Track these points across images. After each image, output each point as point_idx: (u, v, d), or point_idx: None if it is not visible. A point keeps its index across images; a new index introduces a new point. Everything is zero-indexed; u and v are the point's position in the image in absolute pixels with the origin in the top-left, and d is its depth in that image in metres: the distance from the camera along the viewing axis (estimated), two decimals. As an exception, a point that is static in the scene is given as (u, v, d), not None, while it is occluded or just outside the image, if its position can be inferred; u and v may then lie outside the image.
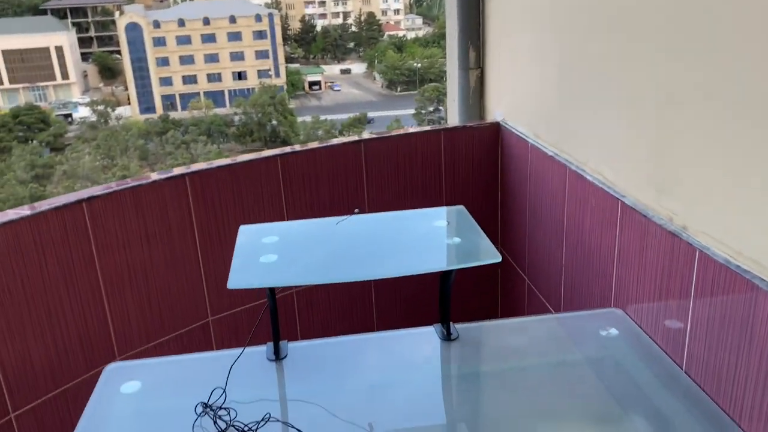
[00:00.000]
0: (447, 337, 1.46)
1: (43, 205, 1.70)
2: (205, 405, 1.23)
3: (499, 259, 1.27)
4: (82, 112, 40.18)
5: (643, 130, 1.46)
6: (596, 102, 1.67)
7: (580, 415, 1.25)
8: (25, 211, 1.67)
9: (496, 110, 2.43)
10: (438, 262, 1.33)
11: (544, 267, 2.06)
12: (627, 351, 1.42)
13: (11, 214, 1.65)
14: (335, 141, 2.26)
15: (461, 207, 1.56)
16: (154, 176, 1.92)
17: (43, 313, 1.72)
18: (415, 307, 2.48)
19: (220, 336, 2.14)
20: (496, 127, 2.38)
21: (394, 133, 2.35)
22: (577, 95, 1.78)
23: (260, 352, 1.46)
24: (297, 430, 1.17)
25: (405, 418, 1.27)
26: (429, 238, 1.42)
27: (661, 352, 1.40)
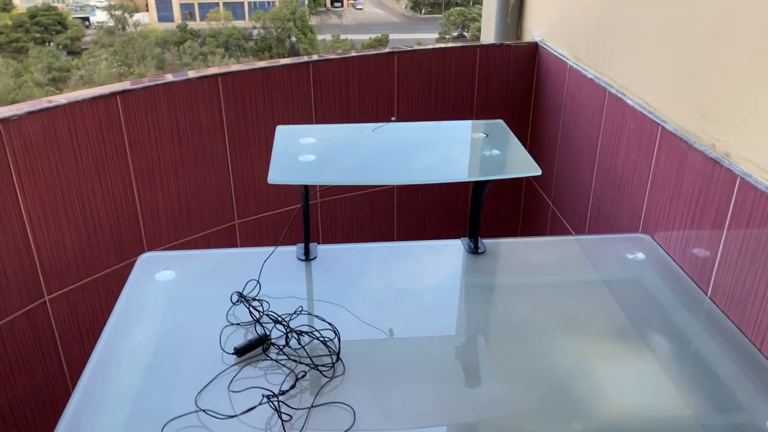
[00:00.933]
0: (474, 250, 1.47)
1: (78, 96, 1.70)
2: (240, 294, 1.27)
3: (539, 171, 1.27)
4: (100, 17, 39.41)
5: (691, 52, 1.42)
6: (642, 23, 1.62)
7: (599, 329, 1.27)
8: (60, 99, 1.67)
9: (535, 30, 2.36)
10: (476, 171, 1.33)
11: (571, 192, 2.06)
12: (652, 274, 1.44)
13: (46, 102, 1.65)
14: (367, 52, 2.21)
15: (500, 121, 1.54)
16: (189, 74, 1.90)
17: (76, 203, 1.75)
18: (437, 227, 2.51)
19: (245, 239, 2.18)
20: (534, 48, 2.32)
21: (428, 47, 2.30)
22: (621, 15, 1.72)
23: (291, 251, 1.49)
24: (328, 323, 1.20)
25: (427, 325, 1.31)
26: (467, 148, 1.41)
27: (686, 277, 1.41)
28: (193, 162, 1.98)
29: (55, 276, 1.75)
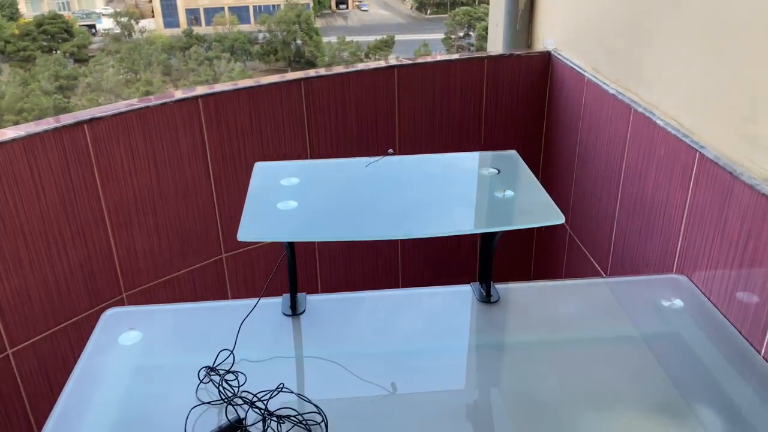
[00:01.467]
0: (486, 298, 1.28)
1: (40, 126, 1.52)
2: (210, 368, 1.08)
3: (562, 219, 1.08)
4: (106, 24, 39.48)
5: (738, 64, 1.22)
6: (676, 28, 1.42)
7: (638, 402, 1.08)
8: (18, 131, 1.49)
9: (548, 38, 2.17)
10: (487, 220, 1.13)
11: (591, 220, 1.86)
12: (693, 327, 1.24)
13: (2, 134, 1.47)
14: (365, 66, 2.02)
15: (513, 152, 1.35)
16: (163, 98, 1.72)
17: (41, 245, 1.57)
18: (445, 251, 2.31)
19: (234, 274, 1.99)
20: (547, 58, 2.12)
21: (430, 59, 2.10)
22: (650, 19, 1.52)
23: (276, 304, 1.30)
24: (313, 404, 1.02)
25: (434, 387, 1.12)
26: (476, 188, 1.22)
27: (734, 330, 1.21)
28: (173, 192, 1.80)
29: (18, 326, 1.57)
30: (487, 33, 2.53)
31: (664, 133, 1.44)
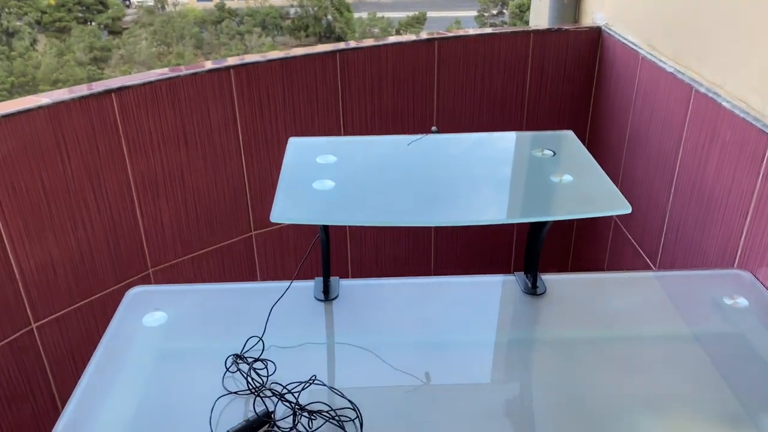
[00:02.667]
0: (532, 290, 1.19)
1: (65, 94, 1.46)
2: (238, 356, 1.02)
3: (629, 209, 0.98)
4: (139, -5, 39.61)
5: (825, 46, 1.10)
6: (743, 1, 1.29)
7: (695, 410, 0.99)
8: (43, 99, 1.43)
9: (597, 12, 2.04)
10: (543, 208, 1.04)
11: (641, 207, 1.75)
12: (759, 328, 1.14)
13: (28, 101, 1.42)
14: (404, 38, 1.92)
15: (569, 132, 1.24)
16: (194, 68, 1.65)
17: (66, 217, 1.52)
18: (480, 235, 2.22)
19: (263, 253, 1.93)
20: (597, 33, 2.00)
21: (473, 32, 1.99)
22: (721, -4, 1.39)
23: (307, 288, 1.23)
24: (347, 399, 0.95)
25: (474, 381, 1.04)
26: (528, 171, 1.12)
27: (805, 334, 1.11)
28: (203, 166, 1.73)
29: (42, 301, 1.53)
30: (521, 11, 2.40)
31: (731, 116, 1.32)
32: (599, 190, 1.06)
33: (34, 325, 1.53)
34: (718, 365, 1.05)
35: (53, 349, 1.59)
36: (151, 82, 1.58)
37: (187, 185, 1.72)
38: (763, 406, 0.98)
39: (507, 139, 1.26)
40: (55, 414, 1.63)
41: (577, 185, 1.08)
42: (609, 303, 1.19)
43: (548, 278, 1.24)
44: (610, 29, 1.95)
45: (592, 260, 2.12)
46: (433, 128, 1.20)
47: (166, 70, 1.65)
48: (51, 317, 1.56)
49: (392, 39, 1.90)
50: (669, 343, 1.11)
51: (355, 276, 2.10)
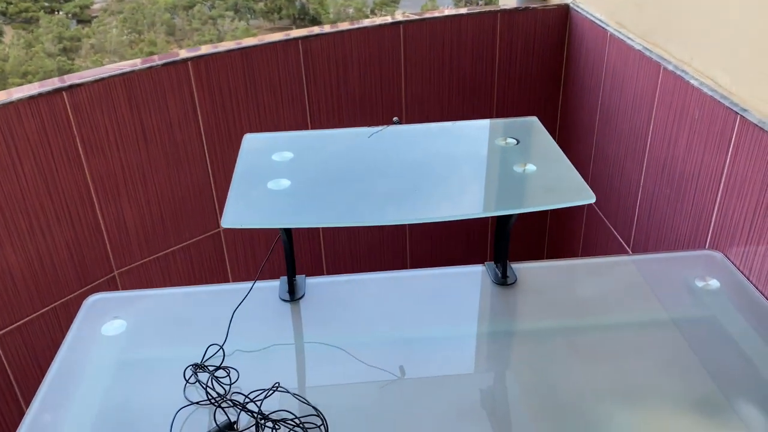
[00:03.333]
0: (502, 280, 1.17)
1: (12, 95, 1.40)
2: (197, 366, 0.98)
3: (593, 199, 0.95)
4: (107, -18, 38.72)
5: (791, 20, 1.07)
6: (715, -20, 1.26)
7: (670, 396, 0.97)
8: (-11, 100, 1.37)
9: (566, -11, 2.00)
10: (506, 200, 1.00)
11: (614, 189, 1.73)
12: (731, 310, 1.12)
13: (-27, 104, 1.35)
14: (368, 22, 1.87)
15: (533, 119, 1.21)
16: (149, 62, 1.59)
17: (23, 224, 1.46)
18: (455, 226, 2.19)
19: (233, 248, 1.89)
20: (565, 11, 1.96)
21: (438, 14, 1.95)
22: (686, -30, 1.36)
23: (273, 288, 1.19)
24: (312, 407, 0.92)
25: (445, 375, 1.02)
26: (491, 161, 1.09)
27: (777, 315, 1.09)
28: (164, 163, 1.68)
29: (3, 310, 1.48)
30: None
31: (699, 94, 1.30)
32: (563, 180, 1.03)
33: (-6, 336, 1.48)
34: (693, 349, 1.04)
35: (16, 358, 1.54)
36: (104, 78, 1.52)
37: (149, 184, 1.67)
38: (739, 387, 0.96)
39: (470, 128, 1.22)
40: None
41: (541, 174, 1.05)
42: (581, 290, 1.17)
43: (519, 267, 1.22)
44: (578, 7, 1.91)
45: (567, 245, 2.11)
46: (395, 119, 1.16)
47: (119, 65, 1.58)
48: (12, 326, 1.51)
49: (356, 24, 1.85)
50: (642, 330, 1.09)
51: (330, 272, 2.07)
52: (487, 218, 2.18)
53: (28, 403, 1.56)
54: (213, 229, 1.83)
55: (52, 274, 1.55)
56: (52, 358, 1.55)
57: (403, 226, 2.11)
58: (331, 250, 2.04)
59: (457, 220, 2.16)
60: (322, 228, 1.99)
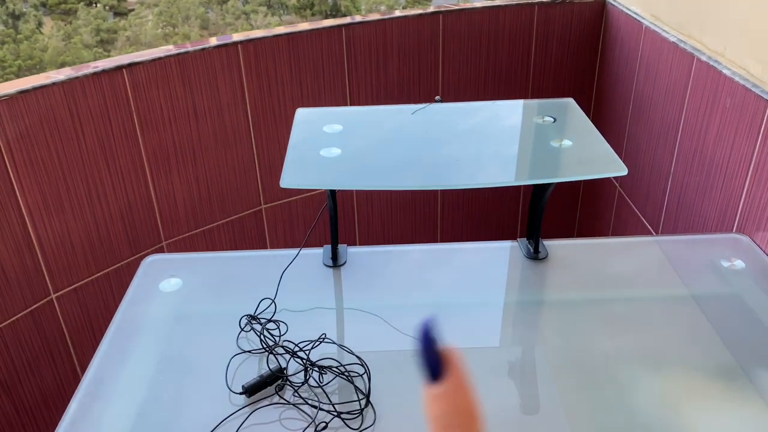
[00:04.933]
0: (534, 255, 1.23)
1: (79, 70, 1.50)
2: (251, 317, 1.07)
3: (625, 171, 1.01)
4: (144, -24, 39.35)
5: (822, 11, 1.11)
6: (751, -27, 1.31)
7: (691, 365, 1.03)
8: (58, 75, 1.47)
9: (602, -16, 2.04)
10: (543, 171, 1.07)
11: (644, 176, 1.78)
12: (755, 289, 1.17)
13: (42, 78, 1.46)
14: (408, 12, 1.94)
15: (570, 100, 1.27)
16: (201, 44, 1.68)
17: (82, 191, 1.57)
18: (486, 207, 2.26)
19: (273, 225, 1.97)
20: (601, 5, 2.01)
21: (478, 4, 2.01)
22: (722, -36, 1.41)
23: (316, 255, 1.27)
24: (355, 355, 0.99)
25: (477, 342, 1.08)
26: (531, 137, 1.15)
27: (800, 294, 1.14)
28: (213, 142, 1.77)
29: (61, 272, 1.59)
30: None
31: (731, 83, 1.34)
32: (597, 154, 1.09)
33: (53, 296, 1.59)
34: (713, 323, 1.09)
35: (72, 319, 1.64)
36: (160, 58, 1.61)
37: (198, 161, 1.76)
38: (755, 359, 1.01)
39: (509, 107, 1.28)
40: (75, 380, 1.69)
41: (576, 149, 1.11)
42: (609, 266, 1.23)
43: (550, 244, 1.28)
44: (614, 1, 1.95)
45: (597, 229, 2.16)
46: (437, 98, 1.23)
47: (171, 46, 1.68)
48: (69, 288, 1.62)
49: (398, 13, 1.92)
50: (667, 303, 1.15)
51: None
52: (517, 201, 2.23)
53: (80, 358, 1.67)
54: (255, 207, 1.92)
55: (107, 240, 1.65)
56: (105, 320, 1.66)
57: (435, 209, 2.18)
58: (365, 232, 2.12)
59: (488, 202, 2.22)
60: (357, 208, 2.07)
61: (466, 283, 1.21)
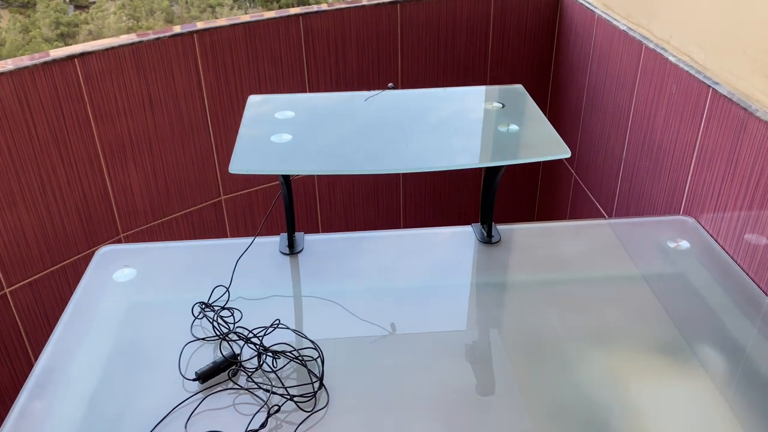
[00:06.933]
0: (487, 239, 1.25)
1: (29, 60, 1.47)
2: (205, 304, 1.07)
3: (568, 153, 1.03)
4: (105, -32, 38.47)
5: (759, -2, 1.15)
6: (694, -38, 1.35)
7: (639, 341, 1.06)
8: (6, 65, 1.44)
9: (558, -26, 2.08)
10: (491, 154, 1.09)
11: (598, 163, 1.82)
12: (699, 268, 1.21)
13: (-10, 67, 1.43)
14: (367, 1, 1.95)
15: (519, 86, 1.29)
16: (157, 34, 1.66)
17: (35, 184, 1.54)
18: (447, 196, 2.28)
19: (234, 217, 1.97)
20: (556, -5, 2.04)
21: (435, -4, 2.02)
22: (668, -47, 1.44)
23: (273, 243, 1.27)
24: (309, 340, 1.00)
25: (433, 326, 1.10)
26: (478, 122, 1.17)
27: (742, 273, 1.18)
28: (170, 132, 1.76)
29: (15, 266, 1.56)
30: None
31: (676, 70, 1.38)
32: (542, 137, 1.12)
33: (7, 290, 1.56)
34: (659, 301, 1.12)
35: (27, 313, 1.62)
36: (114, 48, 1.59)
37: (154, 151, 1.75)
38: (699, 335, 1.05)
39: (460, 93, 1.30)
40: (32, 377, 1.67)
41: (523, 134, 1.13)
42: (560, 249, 1.26)
43: (504, 228, 1.30)
44: (568, -10, 1.99)
45: (554, 216, 2.20)
46: (390, 84, 1.24)
47: (131, 35, 1.66)
48: (24, 282, 1.59)
49: (356, 2, 1.93)
50: (616, 283, 1.18)
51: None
52: (478, 187, 2.26)
53: (36, 352, 1.65)
54: (215, 198, 1.91)
55: (62, 233, 1.63)
56: (60, 313, 1.63)
57: (397, 197, 2.19)
58: (327, 222, 2.13)
59: (449, 189, 2.25)
60: (320, 197, 2.07)
61: (421, 267, 1.23)
